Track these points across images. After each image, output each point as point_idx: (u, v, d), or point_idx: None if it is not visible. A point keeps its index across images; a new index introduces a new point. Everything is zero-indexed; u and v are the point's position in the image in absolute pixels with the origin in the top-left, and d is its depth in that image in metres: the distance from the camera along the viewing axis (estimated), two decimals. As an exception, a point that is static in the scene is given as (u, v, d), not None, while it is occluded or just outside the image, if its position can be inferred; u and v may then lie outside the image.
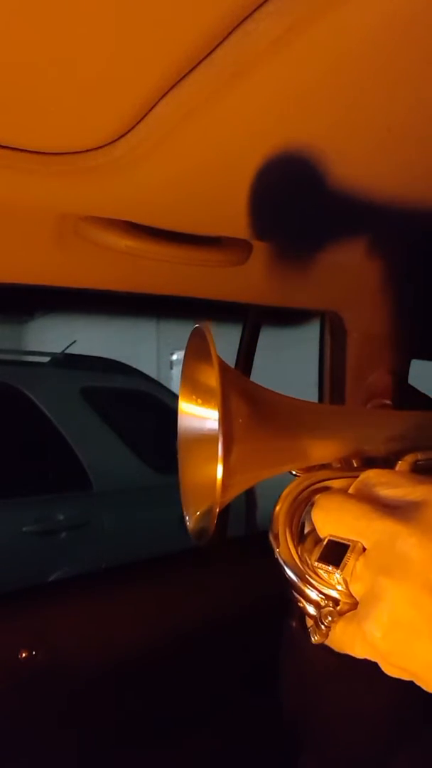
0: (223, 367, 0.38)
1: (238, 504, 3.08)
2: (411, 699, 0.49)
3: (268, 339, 1.50)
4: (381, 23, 0.46)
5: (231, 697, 1.42)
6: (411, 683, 0.35)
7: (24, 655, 1.15)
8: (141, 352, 7.62)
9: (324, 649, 0.42)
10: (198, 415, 0.44)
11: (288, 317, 1.63)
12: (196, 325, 0.40)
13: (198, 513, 0.42)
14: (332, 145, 0.64)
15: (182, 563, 1.54)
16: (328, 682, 0.53)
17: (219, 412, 0.36)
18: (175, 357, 7.75)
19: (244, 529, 3.23)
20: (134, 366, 3.99)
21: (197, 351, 0.41)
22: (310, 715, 0.58)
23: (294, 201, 0.82)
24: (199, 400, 0.44)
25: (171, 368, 7.74)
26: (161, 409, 3.56)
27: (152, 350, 8.02)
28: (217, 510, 0.37)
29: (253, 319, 1.44)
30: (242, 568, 1.51)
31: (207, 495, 0.40)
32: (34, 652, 1.16)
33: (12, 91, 0.54)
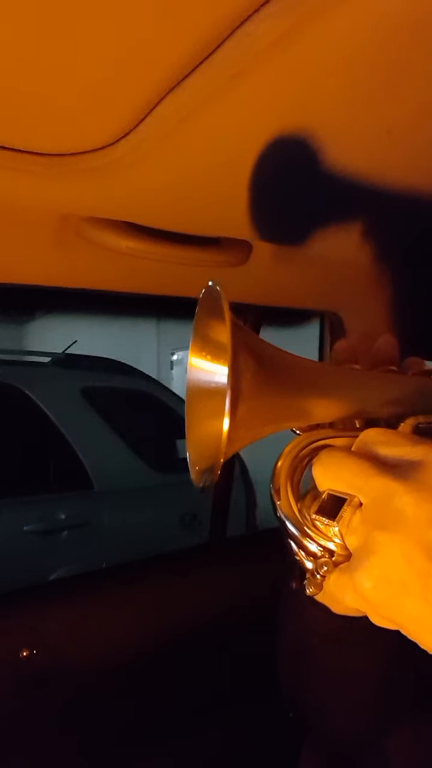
0: (234, 323, 0.38)
1: (238, 504, 3.09)
2: (410, 667, 0.50)
3: (268, 339, 1.50)
4: (381, 25, 0.47)
5: (231, 695, 1.42)
6: (409, 652, 0.36)
7: (24, 654, 1.16)
8: (141, 352, 7.61)
9: (323, 612, 0.43)
10: (206, 370, 0.44)
11: (288, 317, 1.63)
12: (210, 283, 0.41)
13: (201, 467, 0.43)
14: (332, 144, 0.64)
15: (182, 562, 1.54)
16: (327, 646, 0.53)
17: (228, 366, 0.37)
18: (175, 357, 7.73)
19: (244, 529, 3.24)
20: (134, 366, 3.98)
21: (209, 308, 0.42)
22: (307, 680, 0.58)
23: (294, 201, 0.82)
24: (209, 356, 0.44)
25: (171, 368, 7.72)
26: (162, 409, 3.55)
27: (152, 350, 8.01)
28: (221, 461, 0.38)
29: (253, 319, 1.44)
30: (242, 567, 1.51)
31: (211, 448, 0.40)
32: (34, 652, 1.16)
33: (13, 93, 0.54)
